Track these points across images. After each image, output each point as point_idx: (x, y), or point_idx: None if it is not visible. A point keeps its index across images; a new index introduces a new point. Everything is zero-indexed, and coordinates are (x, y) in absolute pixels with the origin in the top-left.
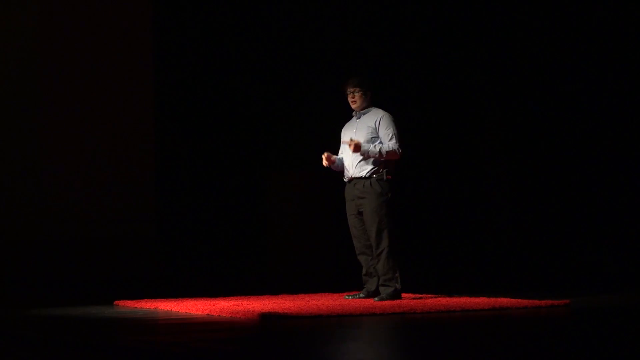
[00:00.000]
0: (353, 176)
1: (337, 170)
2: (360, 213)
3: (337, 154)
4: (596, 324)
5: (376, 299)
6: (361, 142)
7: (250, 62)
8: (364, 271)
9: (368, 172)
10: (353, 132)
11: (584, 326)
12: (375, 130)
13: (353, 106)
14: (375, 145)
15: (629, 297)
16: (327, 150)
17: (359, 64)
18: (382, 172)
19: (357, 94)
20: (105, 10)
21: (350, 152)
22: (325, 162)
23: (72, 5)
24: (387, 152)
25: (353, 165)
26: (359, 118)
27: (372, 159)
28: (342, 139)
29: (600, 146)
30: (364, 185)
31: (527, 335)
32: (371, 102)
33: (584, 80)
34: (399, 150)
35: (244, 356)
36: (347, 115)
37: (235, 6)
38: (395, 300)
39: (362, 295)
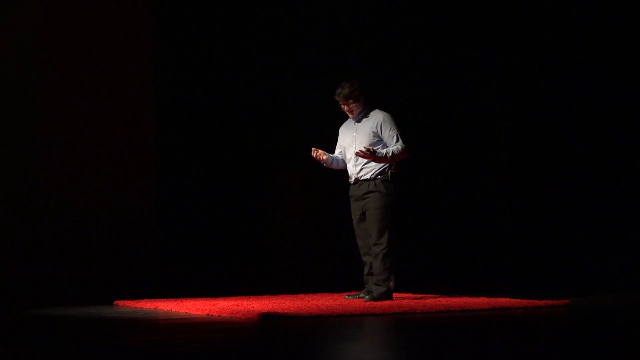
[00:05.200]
0: (358, 178)
1: (330, 167)
2: (364, 213)
3: (332, 152)
4: (596, 324)
5: (367, 298)
6: (372, 149)
7: (250, 62)
8: (366, 271)
9: (373, 174)
10: (353, 135)
11: (584, 326)
12: (378, 134)
13: (350, 116)
14: (385, 149)
15: (629, 297)
16: (322, 149)
17: (359, 63)
18: (387, 172)
19: (351, 105)
20: (105, 10)
21: (353, 155)
22: (314, 154)
23: (72, 5)
24: (396, 154)
25: (357, 170)
26: (358, 121)
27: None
28: (339, 139)
29: (600, 146)
30: (368, 185)
31: (527, 335)
32: (366, 103)
33: (584, 79)
34: (407, 150)
35: (244, 356)
36: (347, 114)
37: (235, 6)
38: (392, 300)
39: (362, 295)
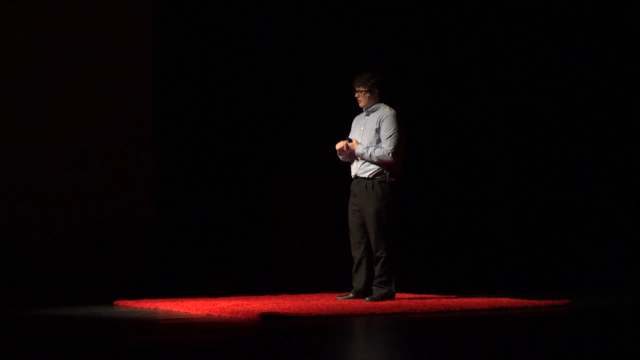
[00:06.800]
0: (357, 175)
1: (345, 160)
2: (358, 210)
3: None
4: (596, 324)
5: (367, 299)
6: (355, 147)
7: (251, 62)
8: (354, 268)
9: (371, 174)
10: (361, 129)
11: (584, 326)
12: (378, 131)
13: (359, 105)
14: (367, 149)
15: (629, 297)
16: (322, 149)
17: (360, 64)
18: (385, 173)
19: (361, 94)
20: (105, 10)
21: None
22: (341, 147)
23: (72, 5)
24: (378, 157)
25: (358, 165)
26: (368, 115)
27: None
28: (351, 130)
29: (600, 145)
30: (366, 186)
31: (527, 335)
32: (380, 99)
33: (584, 78)
34: (389, 155)
35: (244, 356)
36: (349, 112)
37: (236, 5)
38: (392, 300)
39: (351, 295)
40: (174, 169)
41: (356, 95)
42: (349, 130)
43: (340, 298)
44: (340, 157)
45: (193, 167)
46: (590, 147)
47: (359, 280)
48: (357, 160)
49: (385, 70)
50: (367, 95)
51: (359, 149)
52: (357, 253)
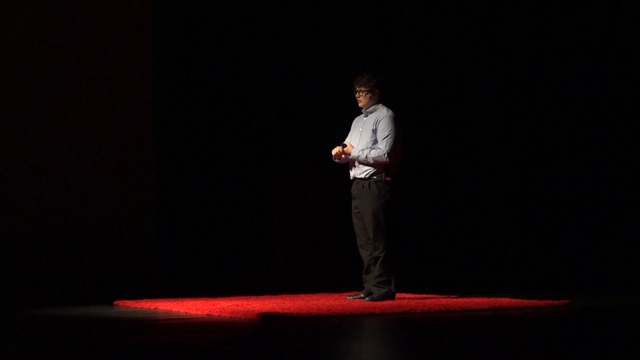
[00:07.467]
0: (355, 176)
1: (342, 162)
2: (360, 212)
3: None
4: (596, 324)
5: (367, 299)
6: (350, 151)
7: (251, 61)
8: (364, 269)
9: (367, 174)
10: (359, 130)
11: (584, 326)
12: (375, 132)
13: (359, 104)
14: (363, 151)
15: (629, 297)
16: (322, 148)
17: (361, 63)
18: (381, 173)
19: (361, 94)
20: (105, 10)
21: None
22: (337, 153)
23: (72, 5)
24: (374, 158)
25: (354, 167)
26: (366, 116)
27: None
28: (350, 132)
29: (600, 145)
30: (362, 186)
31: (527, 335)
32: (379, 100)
33: (584, 79)
34: (385, 156)
35: (244, 356)
36: (349, 112)
37: (236, 4)
38: (392, 300)
39: (362, 295)
40: (174, 169)
41: (356, 95)
42: (348, 130)
43: (350, 298)
44: (336, 161)
45: (193, 167)
46: (590, 147)
47: (370, 282)
48: (354, 161)
49: (385, 70)
50: (368, 95)
51: (354, 152)
52: (364, 254)
